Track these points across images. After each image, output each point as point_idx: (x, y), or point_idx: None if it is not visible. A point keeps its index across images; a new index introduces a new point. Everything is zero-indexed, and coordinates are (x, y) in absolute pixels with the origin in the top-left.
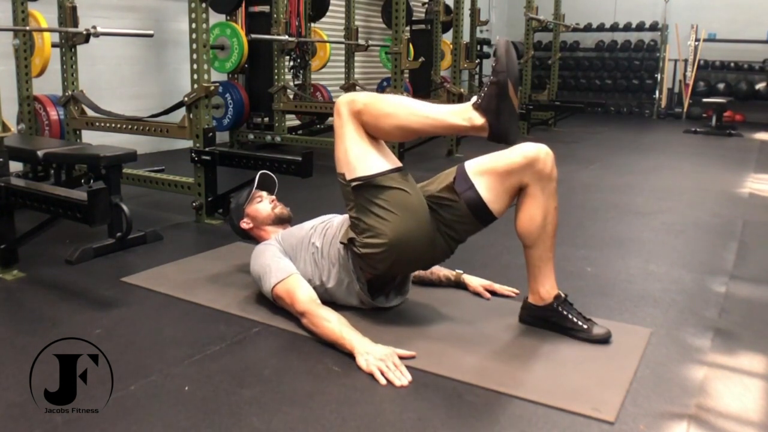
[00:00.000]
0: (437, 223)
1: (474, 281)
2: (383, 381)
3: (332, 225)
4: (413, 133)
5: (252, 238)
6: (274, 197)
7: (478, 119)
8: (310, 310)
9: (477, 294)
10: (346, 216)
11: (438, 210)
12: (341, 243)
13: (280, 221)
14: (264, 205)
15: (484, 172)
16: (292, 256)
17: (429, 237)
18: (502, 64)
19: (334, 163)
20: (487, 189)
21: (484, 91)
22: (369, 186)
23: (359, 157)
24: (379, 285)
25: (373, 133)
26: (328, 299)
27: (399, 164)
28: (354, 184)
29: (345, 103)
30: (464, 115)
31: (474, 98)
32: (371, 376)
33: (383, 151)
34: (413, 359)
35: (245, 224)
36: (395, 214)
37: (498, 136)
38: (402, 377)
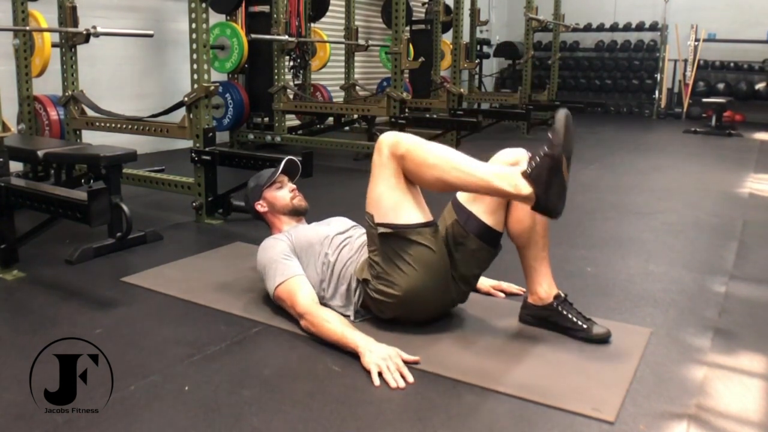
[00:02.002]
0: (454, 267)
1: (483, 282)
2: (377, 382)
3: (351, 244)
4: (453, 188)
5: (264, 221)
6: (294, 186)
7: (526, 188)
8: (311, 311)
9: (488, 294)
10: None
11: (454, 254)
12: (356, 278)
13: (296, 213)
14: (284, 192)
15: (475, 197)
16: (300, 257)
17: (442, 293)
18: (559, 138)
19: (334, 163)
20: (484, 213)
21: (536, 160)
22: (397, 237)
23: (393, 205)
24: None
25: (413, 180)
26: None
27: (431, 218)
28: (381, 230)
29: (388, 144)
30: (511, 180)
31: (524, 165)
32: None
33: (418, 200)
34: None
35: (260, 207)
36: (415, 270)
37: (544, 209)
38: (401, 380)
